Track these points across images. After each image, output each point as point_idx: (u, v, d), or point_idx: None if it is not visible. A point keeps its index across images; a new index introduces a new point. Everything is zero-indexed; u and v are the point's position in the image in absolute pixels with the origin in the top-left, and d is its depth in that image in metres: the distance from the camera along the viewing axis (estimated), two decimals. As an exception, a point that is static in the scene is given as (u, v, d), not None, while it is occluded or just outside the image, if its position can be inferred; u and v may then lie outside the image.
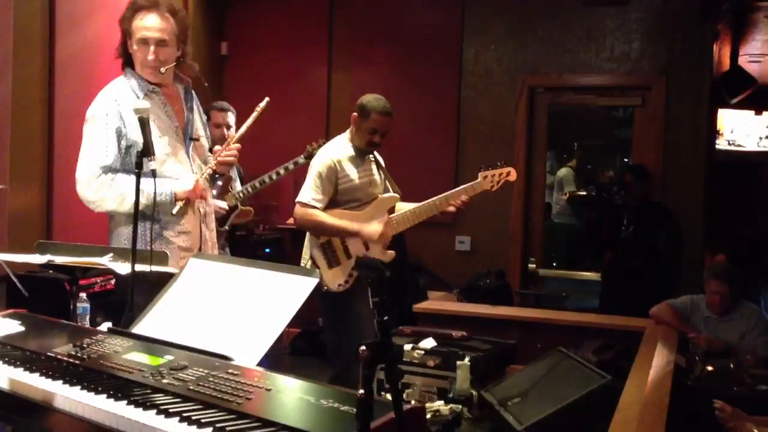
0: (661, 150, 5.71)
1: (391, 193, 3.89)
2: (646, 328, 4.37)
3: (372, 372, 1.42)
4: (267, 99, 3.11)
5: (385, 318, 1.49)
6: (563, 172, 7.66)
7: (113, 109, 2.76)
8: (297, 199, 3.73)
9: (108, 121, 2.76)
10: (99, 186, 2.73)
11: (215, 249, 3.08)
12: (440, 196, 3.80)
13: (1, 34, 4.24)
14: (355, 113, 3.78)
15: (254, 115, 3.09)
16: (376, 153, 3.98)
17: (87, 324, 2.62)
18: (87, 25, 4.85)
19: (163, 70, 2.82)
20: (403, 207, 3.87)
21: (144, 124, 2.44)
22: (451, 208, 3.79)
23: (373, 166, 3.90)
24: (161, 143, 2.80)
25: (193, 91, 3.07)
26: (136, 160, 2.42)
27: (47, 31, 4.54)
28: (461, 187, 3.81)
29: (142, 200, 2.65)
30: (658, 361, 3.51)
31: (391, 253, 3.80)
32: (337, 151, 3.78)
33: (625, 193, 5.81)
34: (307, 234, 3.83)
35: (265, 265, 2.19)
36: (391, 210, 3.86)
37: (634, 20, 5.76)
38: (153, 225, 2.75)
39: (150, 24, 2.82)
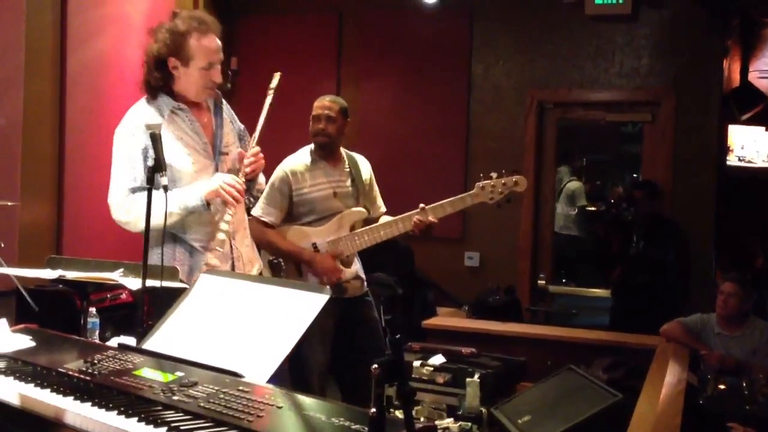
0: (671, 166, 5.70)
1: (356, 208, 3.61)
2: (658, 346, 4.34)
3: (384, 390, 1.41)
4: (278, 73, 2.94)
5: (397, 336, 1.48)
6: (574, 185, 7.59)
7: (138, 130, 2.68)
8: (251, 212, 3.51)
9: (133, 142, 2.70)
10: (129, 207, 2.68)
11: (251, 266, 2.95)
12: (404, 215, 3.48)
13: (12, 50, 4.27)
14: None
15: (268, 99, 2.92)
16: (360, 163, 3.75)
17: (96, 339, 2.62)
18: (97, 40, 4.89)
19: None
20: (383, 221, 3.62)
21: (155, 139, 2.44)
22: (415, 230, 3.43)
23: (347, 179, 3.66)
24: (188, 162, 2.75)
25: (223, 101, 2.98)
26: (148, 176, 2.42)
27: (58, 46, 4.57)
28: (447, 200, 3.45)
29: (177, 211, 2.64)
30: (670, 379, 3.48)
31: (350, 271, 3.54)
32: (293, 161, 3.60)
33: (634, 209, 5.79)
34: None
35: (275, 281, 2.18)
36: (356, 226, 3.59)
37: (643, 35, 5.76)
38: (179, 242, 2.75)
39: (215, 46, 2.79)
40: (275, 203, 3.52)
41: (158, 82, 2.76)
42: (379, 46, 6.38)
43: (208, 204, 2.69)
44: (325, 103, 3.65)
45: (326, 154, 3.63)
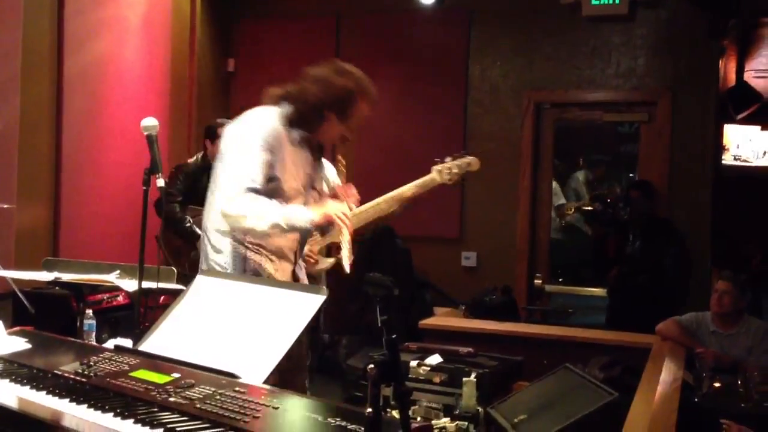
0: (668, 166, 5.71)
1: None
2: (653, 345, 4.35)
3: (380, 390, 1.42)
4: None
5: (393, 336, 1.49)
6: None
7: (266, 144, 2.72)
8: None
9: (260, 153, 2.71)
10: (241, 202, 2.65)
11: None
12: (370, 203, 3.48)
13: (9, 54, 4.28)
14: None
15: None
16: (326, 165, 3.74)
17: (93, 341, 2.62)
18: (95, 43, 4.89)
19: None
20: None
21: (152, 141, 2.46)
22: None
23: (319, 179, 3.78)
24: (293, 186, 2.81)
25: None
26: (144, 177, 2.43)
27: (55, 50, 4.58)
28: (407, 185, 3.49)
29: (282, 225, 2.65)
30: (665, 377, 3.49)
31: (329, 261, 3.51)
32: None
33: (630, 209, 5.80)
34: None
35: (272, 283, 2.19)
36: None
37: (640, 36, 5.78)
38: (247, 256, 2.73)
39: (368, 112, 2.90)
40: None
41: (313, 123, 2.81)
42: (376, 47, 6.38)
43: (311, 228, 2.77)
44: None
45: None
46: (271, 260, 2.80)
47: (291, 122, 2.80)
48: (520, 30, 6.05)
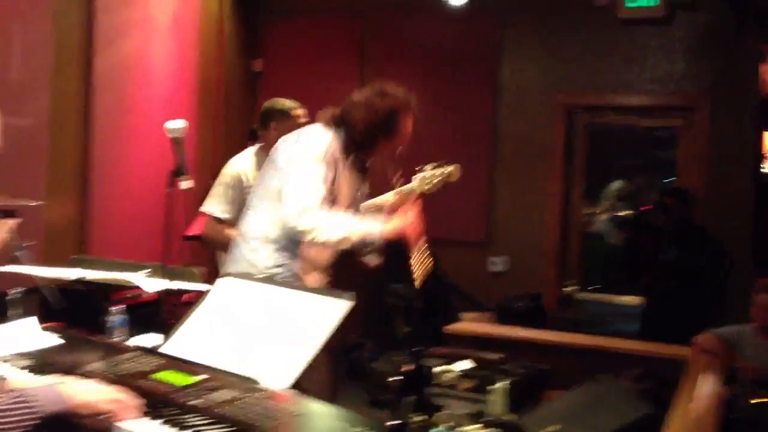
0: (705, 172, 5.59)
1: None
2: (690, 357, 4.23)
3: (403, 401, 1.38)
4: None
5: (416, 349, 1.44)
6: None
7: (328, 159, 2.83)
8: (201, 209, 3.66)
9: (324, 167, 2.81)
10: (313, 216, 2.71)
11: None
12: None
13: (40, 50, 4.29)
14: (273, 121, 3.72)
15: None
16: None
17: (122, 337, 2.60)
18: (125, 40, 4.91)
19: None
20: None
21: (177, 144, 2.44)
22: None
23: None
24: (345, 198, 2.93)
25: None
26: (169, 180, 2.41)
27: (85, 46, 4.59)
28: (387, 194, 3.48)
29: (352, 237, 2.74)
30: (703, 391, 3.38)
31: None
32: (243, 162, 3.73)
33: (665, 215, 5.68)
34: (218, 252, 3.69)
35: (297, 286, 2.14)
36: None
37: (678, 39, 5.66)
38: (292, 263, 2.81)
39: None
40: (232, 200, 3.60)
41: (364, 146, 2.94)
42: (402, 47, 6.31)
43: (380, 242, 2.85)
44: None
45: None
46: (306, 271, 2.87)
47: (344, 147, 2.90)
48: (552, 32, 5.96)
